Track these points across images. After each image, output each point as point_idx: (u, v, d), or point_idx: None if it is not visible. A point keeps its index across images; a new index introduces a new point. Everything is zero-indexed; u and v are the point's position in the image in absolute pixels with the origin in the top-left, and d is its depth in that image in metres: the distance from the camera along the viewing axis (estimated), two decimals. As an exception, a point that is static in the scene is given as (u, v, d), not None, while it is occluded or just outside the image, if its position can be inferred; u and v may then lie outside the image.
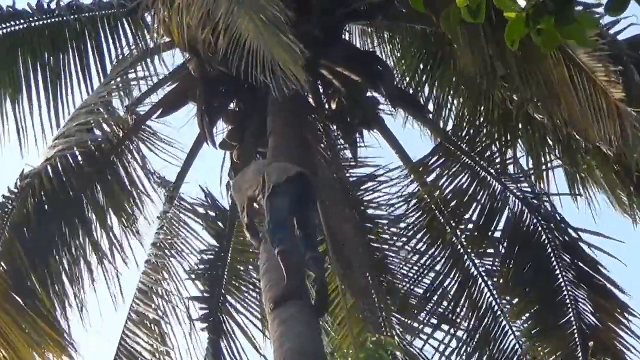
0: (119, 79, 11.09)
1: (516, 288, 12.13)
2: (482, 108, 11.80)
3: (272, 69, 8.75)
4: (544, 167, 11.74)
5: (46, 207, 11.17)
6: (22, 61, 11.45)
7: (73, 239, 11.24)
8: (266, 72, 8.78)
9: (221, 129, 11.95)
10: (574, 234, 11.86)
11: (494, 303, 12.27)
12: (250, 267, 11.88)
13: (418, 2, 4.24)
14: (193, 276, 11.73)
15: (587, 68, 9.55)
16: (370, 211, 12.35)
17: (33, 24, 11.59)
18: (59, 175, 11.17)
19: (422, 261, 12.28)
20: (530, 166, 11.88)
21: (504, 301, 12.25)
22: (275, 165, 9.72)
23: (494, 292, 12.25)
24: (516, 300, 12.17)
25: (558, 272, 11.90)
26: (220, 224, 12.02)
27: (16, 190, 10.93)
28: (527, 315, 12.08)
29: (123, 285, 11.54)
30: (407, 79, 12.31)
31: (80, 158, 11.33)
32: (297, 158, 10.01)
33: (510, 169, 12.07)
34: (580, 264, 11.88)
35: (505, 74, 10.65)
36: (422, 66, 12.14)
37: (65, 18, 11.61)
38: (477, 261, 12.26)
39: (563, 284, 11.89)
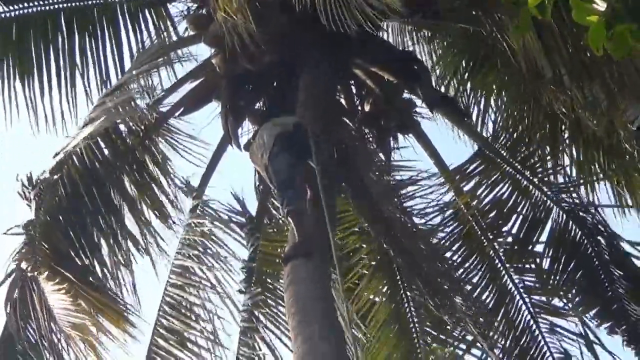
0: (140, 70, 10.08)
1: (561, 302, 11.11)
2: (526, 113, 10.79)
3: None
4: (593, 177, 10.76)
5: (76, 193, 10.21)
6: (34, 44, 10.47)
7: (106, 224, 10.40)
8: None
9: (246, 130, 10.89)
10: (625, 247, 10.81)
11: (532, 322, 11.21)
12: (279, 280, 10.73)
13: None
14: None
15: None
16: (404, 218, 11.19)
17: (47, 7, 10.56)
18: (84, 164, 10.19)
19: (458, 274, 11.26)
20: (576, 174, 10.93)
21: (542, 320, 11.30)
22: (270, 123, 9.11)
23: (532, 311, 11.21)
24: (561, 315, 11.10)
25: (608, 286, 10.83)
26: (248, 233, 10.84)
27: (46, 176, 10.10)
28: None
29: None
30: (446, 80, 11.13)
31: (105, 150, 10.33)
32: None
33: (554, 177, 11.10)
34: (630, 278, 10.82)
35: (554, 76, 9.71)
36: (462, 67, 10.89)
37: (82, 3, 10.59)
38: (515, 277, 11.13)
39: (613, 297, 10.79)
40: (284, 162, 8.66)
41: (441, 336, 11.24)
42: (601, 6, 3.71)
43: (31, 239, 10.16)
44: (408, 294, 11.14)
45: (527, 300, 11.14)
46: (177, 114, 10.68)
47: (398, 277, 11.12)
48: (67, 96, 10.64)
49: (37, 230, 10.15)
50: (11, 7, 10.55)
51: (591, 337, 10.75)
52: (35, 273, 10.11)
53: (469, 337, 11.16)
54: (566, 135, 10.75)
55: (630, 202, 10.75)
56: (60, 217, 10.28)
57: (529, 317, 11.14)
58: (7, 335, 10.46)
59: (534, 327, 11.14)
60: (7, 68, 10.54)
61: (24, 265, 10.21)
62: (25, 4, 10.55)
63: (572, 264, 10.93)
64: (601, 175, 10.70)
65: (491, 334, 11.18)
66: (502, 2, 9.30)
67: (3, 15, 10.52)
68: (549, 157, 10.93)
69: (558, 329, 11.09)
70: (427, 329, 11.23)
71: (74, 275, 10.12)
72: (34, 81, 10.57)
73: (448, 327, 11.17)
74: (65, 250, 10.23)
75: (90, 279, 10.22)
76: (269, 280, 10.84)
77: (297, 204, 8.43)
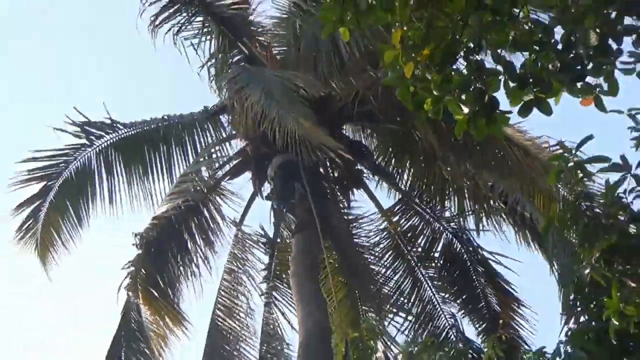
0: (205, 156, 17.59)
1: (449, 286, 18.37)
2: (428, 176, 18.02)
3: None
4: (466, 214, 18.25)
5: (163, 235, 17.31)
6: (147, 151, 17.62)
7: (181, 255, 17.55)
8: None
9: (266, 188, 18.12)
10: (486, 254, 18.09)
11: (433, 297, 18.37)
12: (286, 274, 18.11)
13: (407, 100, 5.68)
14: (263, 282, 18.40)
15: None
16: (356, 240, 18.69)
17: (153, 125, 17.90)
18: (169, 217, 17.41)
19: (389, 271, 18.61)
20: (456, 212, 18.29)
21: (439, 295, 18.61)
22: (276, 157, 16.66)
23: (433, 291, 18.36)
24: (449, 294, 18.31)
25: (475, 277, 18.15)
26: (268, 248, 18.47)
27: (147, 226, 17.19)
28: (458, 302, 18.26)
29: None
30: (381, 158, 18.43)
31: (182, 207, 17.49)
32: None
33: (445, 213, 18.47)
34: (488, 272, 18.08)
35: (444, 156, 17.21)
36: (390, 150, 18.31)
37: (172, 122, 17.88)
38: (423, 271, 18.45)
39: (478, 285, 18.14)
40: (281, 182, 16.25)
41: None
42: (465, 110, 5.44)
43: (135, 270, 17.10)
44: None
45: (430, 284, 18.57)
46: (226, 179, 18.10)
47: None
48: (164, 183, 17.75)
49: (139, 262, 17.07)
50: (129, 129, 17.69)
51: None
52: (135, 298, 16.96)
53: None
54: (451, 190, 18.24)
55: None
56: (152, 250, 17.31)
57: (431, 294, 18.41)
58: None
59: (434, 300, 18.42)
60: (129, 169, 17.50)
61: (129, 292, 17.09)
62: (140, 126, 17.70)
63: (455, 264, 18.41)
64: (469, 212, 18.19)
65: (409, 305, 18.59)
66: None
67: (125, 134, 17.70)
68: (441, 202, 18.39)
69: (448, 301, 18.53)
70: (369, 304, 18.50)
71: (159, 292, 17.10)
72: (146, 174, 17.54)
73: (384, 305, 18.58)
74: (154, 274, 17.18)
75: (170, 296, 17.25)
76: (282, 275, 18.45)
77: (292, 210, 16.16)
